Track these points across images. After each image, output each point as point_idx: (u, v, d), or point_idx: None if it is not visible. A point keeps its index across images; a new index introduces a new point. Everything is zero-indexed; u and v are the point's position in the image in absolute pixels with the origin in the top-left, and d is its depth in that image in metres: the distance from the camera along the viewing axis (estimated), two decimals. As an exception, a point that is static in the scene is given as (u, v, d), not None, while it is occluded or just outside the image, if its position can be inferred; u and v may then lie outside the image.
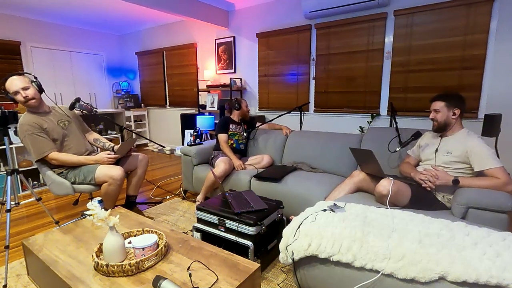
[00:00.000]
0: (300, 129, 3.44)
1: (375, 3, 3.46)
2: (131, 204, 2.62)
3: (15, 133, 2.28)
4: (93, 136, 2.66)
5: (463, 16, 3.12)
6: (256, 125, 3.24)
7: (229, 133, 3.07)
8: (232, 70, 5.06)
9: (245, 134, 3.14)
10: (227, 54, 5.09)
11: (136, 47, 6.59)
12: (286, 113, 3.19)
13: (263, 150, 3.15)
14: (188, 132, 5.19)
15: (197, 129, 3.87)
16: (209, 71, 5.27)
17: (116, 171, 2.26)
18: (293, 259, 1.53)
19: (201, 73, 5.52)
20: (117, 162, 2.46)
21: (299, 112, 3.41)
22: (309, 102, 4.25)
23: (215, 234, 1.98)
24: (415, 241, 1.34)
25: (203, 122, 4.62)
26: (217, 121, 3.99)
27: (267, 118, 4.72)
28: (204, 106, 5.26)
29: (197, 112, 5.33)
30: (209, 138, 4.81)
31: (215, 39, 5.19)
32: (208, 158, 3.16)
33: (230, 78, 4.62)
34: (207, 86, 5.05)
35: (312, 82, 4.22)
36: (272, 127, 3.30)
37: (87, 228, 1.79)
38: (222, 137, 3.01)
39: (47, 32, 5.64)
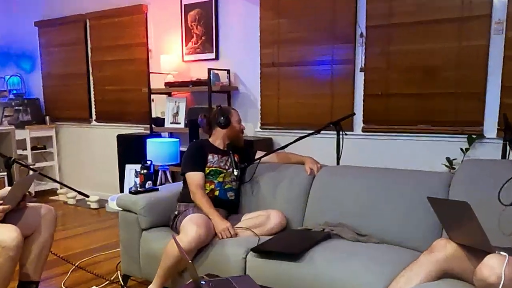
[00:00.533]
0: (338, 163, 3.52)
1: None
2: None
3: None
4: None
5: None
6: (256, 156, 3.33)
7: (207, 170, 3.15)
8: (213, 55, 5.17)
9: (235, 173, 3.21)
10: (203, 26, 5.20)
11: (36, 13, 6.78)
12: (312, 134, 3.25)
13: (269, 201, 3.21)
14: (131, 169, 5.24)
15: (148, 162, 3.93)
16: (171, 55, 5.39)
17: (8, 233, 2.31)
18: None
19: (156, 61, 5.60)
20: (3, 220, 2.52)
21: (335, 133, 3.49)
22: (354, 114, 4.28)
23: None
24: None
25: (158, 150, 4.69)
26: (184, 149, 4.08)
27: (276, 144, 4.79)
28: (161, 121, 5.35)
29: (149, 132, 5.41)
30: (169, 180, 4.87)
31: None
32: (168, 216, 3.21)
33: (209, 70, 4.72)
34: (166, 84, 5.17)
35: (360, 77, 4.33)
36: (286, 160, 3.38)
37: None
38: (195, 177, 3.07)
39: None
